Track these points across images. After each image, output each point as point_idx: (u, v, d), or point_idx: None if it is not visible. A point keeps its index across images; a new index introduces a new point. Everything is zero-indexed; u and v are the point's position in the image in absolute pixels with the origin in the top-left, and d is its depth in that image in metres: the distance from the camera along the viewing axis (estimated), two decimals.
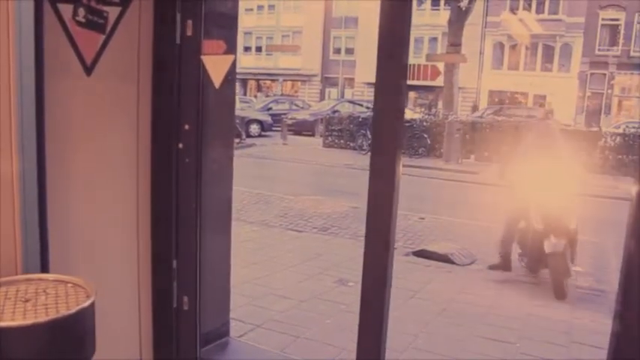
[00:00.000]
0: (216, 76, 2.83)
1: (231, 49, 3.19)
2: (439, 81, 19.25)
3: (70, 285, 2.05)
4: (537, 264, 5.50)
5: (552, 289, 5.16)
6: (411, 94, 31.04)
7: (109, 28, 2.49)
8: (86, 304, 1.90)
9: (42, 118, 2.24)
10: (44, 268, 2.26)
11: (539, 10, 28.52)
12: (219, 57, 2.84)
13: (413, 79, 2.41)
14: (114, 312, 2.63)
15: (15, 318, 1.81)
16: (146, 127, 2.75)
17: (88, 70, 2.46)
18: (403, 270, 5.60)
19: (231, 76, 3.45)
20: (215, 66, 2.81)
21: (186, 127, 2.85)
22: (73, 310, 1.86)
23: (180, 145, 2.87)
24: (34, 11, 2.18)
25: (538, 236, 5.28)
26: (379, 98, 2.34)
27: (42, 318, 1.81)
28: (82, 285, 2.03)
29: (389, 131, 2.33)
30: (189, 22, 2.76)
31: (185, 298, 3.00)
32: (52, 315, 1.83)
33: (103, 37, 2.48)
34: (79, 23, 2.39)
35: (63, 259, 2.41)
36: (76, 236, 2.55)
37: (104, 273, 2.60)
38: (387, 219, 2.33)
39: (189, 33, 2.77)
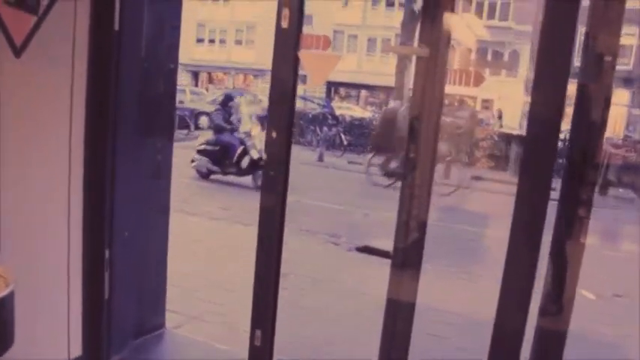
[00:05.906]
0: (316, 75, 2.35)
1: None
2: (391, 81, 19.46)
3: None
4: None
5: None
6: (363, 93, 31.25)
7: (41, 10, 2.42)
8: (4, 293, 1.84)
9: None
10: None
11: (491, 15, 29.20)
12: (323, 54, 2.30)
13: (455, 84, 2.22)
14: (41, 303, 2.56)
15: None
16: (80, 115, 2.67)
17: (18, 51, 2.38)
18: (347, 266, 5.66)
19: (173, 64, 3.42)
20: (315, 65, 2.29)
21: (274, 134, 2.46)
22: None
23: (264, 156, 2.55)
24: None
25: None
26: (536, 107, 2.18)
27: None
28: (1, 273, 1.96)
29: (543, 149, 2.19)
30: (286, 12, 2.30)
31: (258, 332, 2.73)
32: None
33: (35, 18, 2.40)
34: (8, 2, 2.32)
35: None
36: (1, 223, 2.47)
37: (32, 262, 2.52)
38: (536, 242, 2.17)
39: (284, 25, 2.31)
